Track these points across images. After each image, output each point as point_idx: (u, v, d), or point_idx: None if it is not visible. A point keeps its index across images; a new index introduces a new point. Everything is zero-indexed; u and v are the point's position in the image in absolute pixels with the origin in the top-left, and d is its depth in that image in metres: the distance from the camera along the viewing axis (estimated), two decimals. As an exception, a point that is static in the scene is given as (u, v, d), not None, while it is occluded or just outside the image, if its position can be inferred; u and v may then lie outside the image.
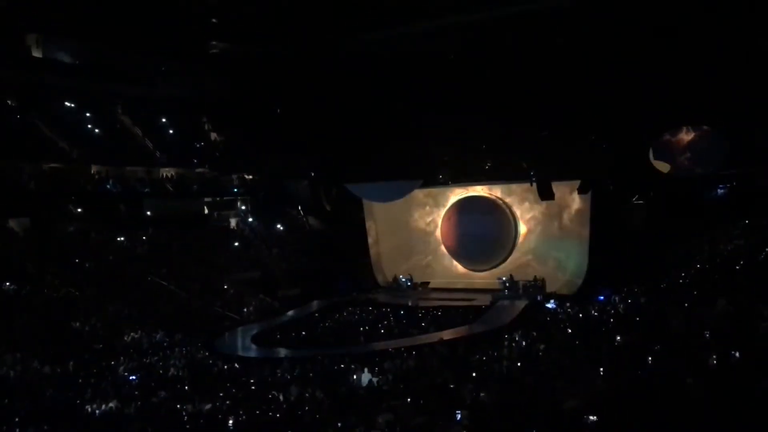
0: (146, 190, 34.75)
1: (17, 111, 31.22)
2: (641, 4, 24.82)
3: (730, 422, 6.77)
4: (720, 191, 31.12)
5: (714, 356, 8.80)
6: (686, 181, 28.72)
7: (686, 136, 28.11)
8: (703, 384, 7.27)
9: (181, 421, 14.28)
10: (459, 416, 10.01)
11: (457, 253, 36.49)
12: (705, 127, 27.70)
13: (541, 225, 34.61)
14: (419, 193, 36.97)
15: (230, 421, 13.68)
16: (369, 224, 37.27)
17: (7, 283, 24.32)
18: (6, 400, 16.30)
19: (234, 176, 40.60)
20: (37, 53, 31.59)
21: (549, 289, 31.91)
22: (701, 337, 10.10)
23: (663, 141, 28.30)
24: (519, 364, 16.43)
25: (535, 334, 21.07)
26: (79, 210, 31.53)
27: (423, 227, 37.81)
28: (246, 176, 41.13)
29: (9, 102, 31.02)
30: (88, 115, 34.42)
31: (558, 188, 31.80)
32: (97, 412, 15.09)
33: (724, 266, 19.28)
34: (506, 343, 20.01)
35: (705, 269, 21.48)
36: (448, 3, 26.28)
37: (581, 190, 31.47)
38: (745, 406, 6.78)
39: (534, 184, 31.87)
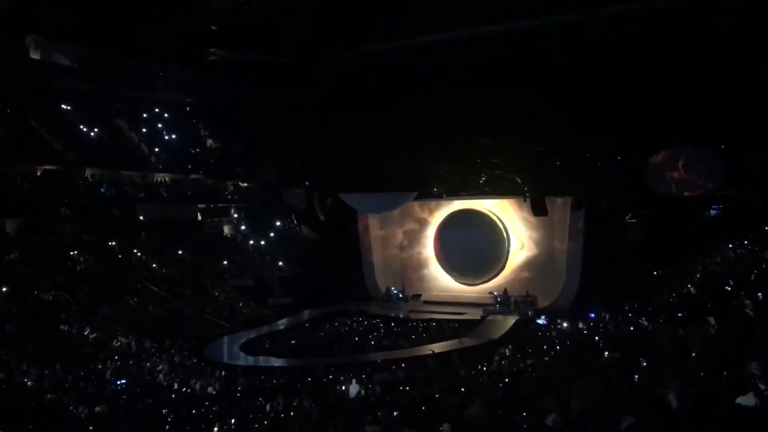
0: (140, 194, 34.74)
1: (14, 112, 31.16)
2: (640, 27, 25.05)
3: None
4: (714, 212, 31.21)
5: (701, 374, 8.82)
6: (680, 200, 28.80)
7: (681, 155, 28.22)
8: (690, 403, 7.29)
9: (167, 427, 14.21)
10: (445, 429, 9.98)
11: (449, 267, 36.51)
12: (700, 147, 27.85)
13: (533, 240, 34.62)
14: (413, 206, 37.04)
15: (215, 429, 13.63)
16: (362, 235, 37.30)
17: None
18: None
19: (228, 183, 40.67)
20: (35, 55, 31.55)
21: (540, 304, 31.92)
22: (688, 356, 10.14)
23: (658, 160, 28.44)
24: (507, 379, 16.42)
25: (524, 348, 21.08)
26: (73, 213, 31.43)
27: (416, 240, 37.82)
28: (241, 183, 41.20)
29: (6, 103, 30.93)
30: (84, 118, 34.43)
31: (551, 204, 31.95)
32: (83, 415, 15.01)
33: (715, 286, 19.38)
34: (496, 357, 20.01)
35: (696, 289, 21.59)
36: (447, 18, 26.47)
37: (575, 207, 31.58)
38: (731, 426, 6.80)
39: (528, 200, 32.03)
